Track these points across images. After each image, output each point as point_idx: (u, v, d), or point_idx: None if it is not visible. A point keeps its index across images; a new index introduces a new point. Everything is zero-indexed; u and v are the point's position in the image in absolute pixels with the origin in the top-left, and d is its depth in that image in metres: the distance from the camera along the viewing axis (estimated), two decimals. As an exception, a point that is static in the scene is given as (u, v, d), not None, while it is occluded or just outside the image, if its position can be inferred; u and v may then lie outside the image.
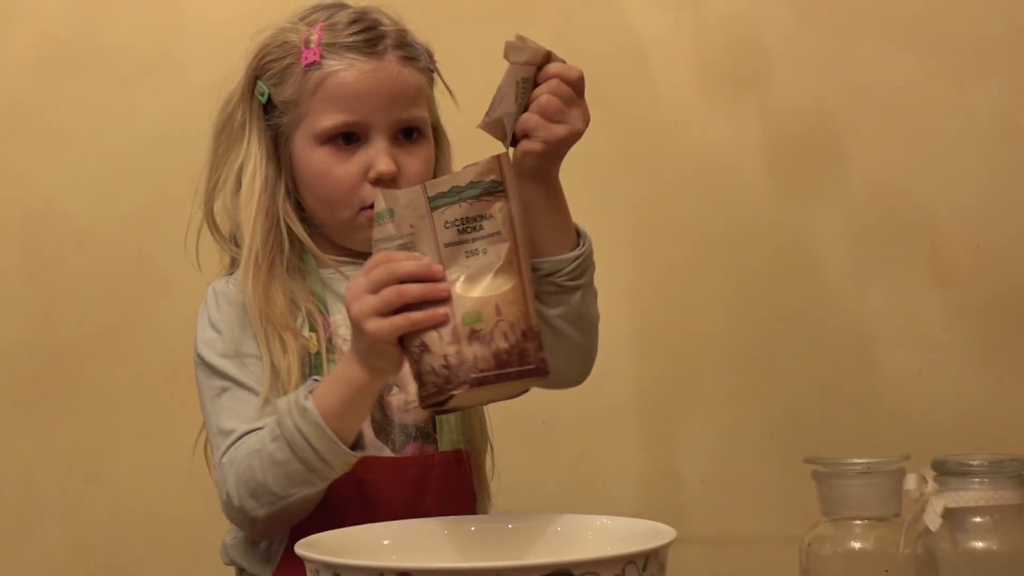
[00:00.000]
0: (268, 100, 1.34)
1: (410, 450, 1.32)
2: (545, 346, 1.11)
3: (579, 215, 1.93)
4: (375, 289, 1.10)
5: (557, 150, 1.20)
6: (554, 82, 1.19)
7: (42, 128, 1.92)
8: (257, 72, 1.36)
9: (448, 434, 1.33)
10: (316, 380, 1.26)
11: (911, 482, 1.13)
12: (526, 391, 1.14)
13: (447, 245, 1.09)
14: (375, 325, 1.10)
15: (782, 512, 1.81)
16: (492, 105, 1.19)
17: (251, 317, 1.30)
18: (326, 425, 1.17)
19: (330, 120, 1.31)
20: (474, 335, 1.07)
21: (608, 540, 1.08)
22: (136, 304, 1.90)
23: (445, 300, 1.08)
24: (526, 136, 1.18)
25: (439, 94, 1.42)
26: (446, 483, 1.32)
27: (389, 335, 1.09)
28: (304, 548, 1.01)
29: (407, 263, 1.09)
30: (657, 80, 1.93)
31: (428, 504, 1.29)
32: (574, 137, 1.21)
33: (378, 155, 1.31)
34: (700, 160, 1.92)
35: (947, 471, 1.11)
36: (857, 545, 1.16)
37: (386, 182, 1.30)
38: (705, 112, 1.92)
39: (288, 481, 1.20)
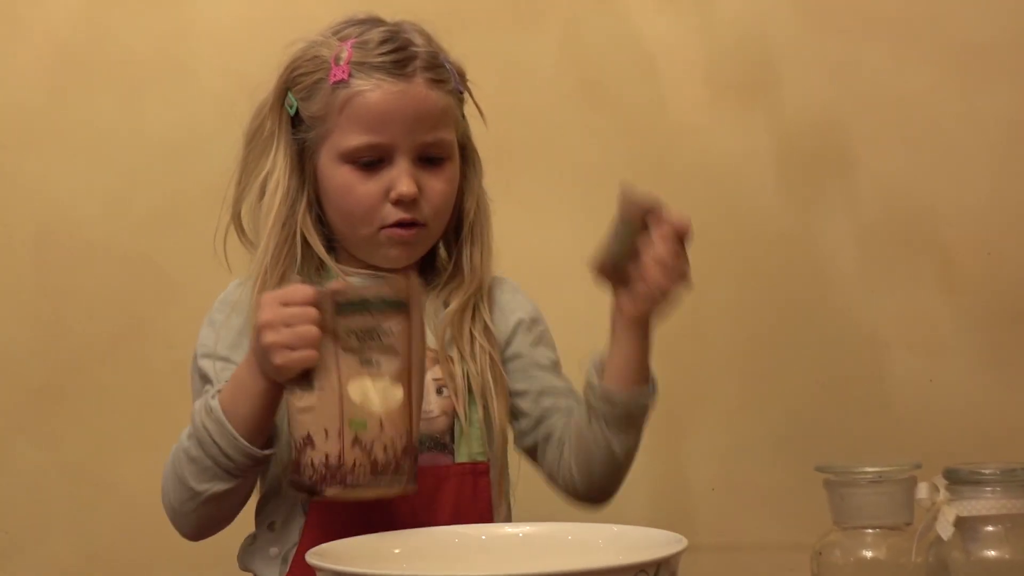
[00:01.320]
0: (296, 113, 1.36)
1: (423, 461, 1.31)
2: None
3: (587, 223, 1.94)
4: (291, 323, 1.15)
5: (667, 299, 1.29)
6: (669, 232, 1.28)
7: (52, 136, 1.92)
8: (288, 84, 1.36)
9: (466, 446, 1.34)
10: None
11: (923, 491, 1.12)
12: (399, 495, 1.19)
13: (345, 350, 1.15)
14: (284, 358, 1.15)
15: (792, 520, 1.81)
16: (602, 249, 1.27)
17: (254, 327, 1.30)
18: (228, 422, 1.22)
19: (355, 140, 1.32)
20: (357, 441, 1.14)
21: (619, 548, 1.08)
22: (146, 311, 1.91)
23: None
24: (642, 282, 1.26)
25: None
26: (461, 494, 1.32)
27: (295, 369, 1.15)
28: (315, 557, 1.01)
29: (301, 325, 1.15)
30: (665, 87, 1.93)
31: (442, 515, 1.30)
32: (683, 287, 1.29)
33: (400, 176, 1.32)
34: (708, 167, 1.92)
35: (959, 480, 1.10)
36: (869, 554, 1.15)
37: (407, 203, 1.33)
38: (713, 119, 1.92)
39: (201, 476, 1.25)
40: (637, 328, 1.29)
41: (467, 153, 1.42)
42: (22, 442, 1.91)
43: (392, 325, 1.15)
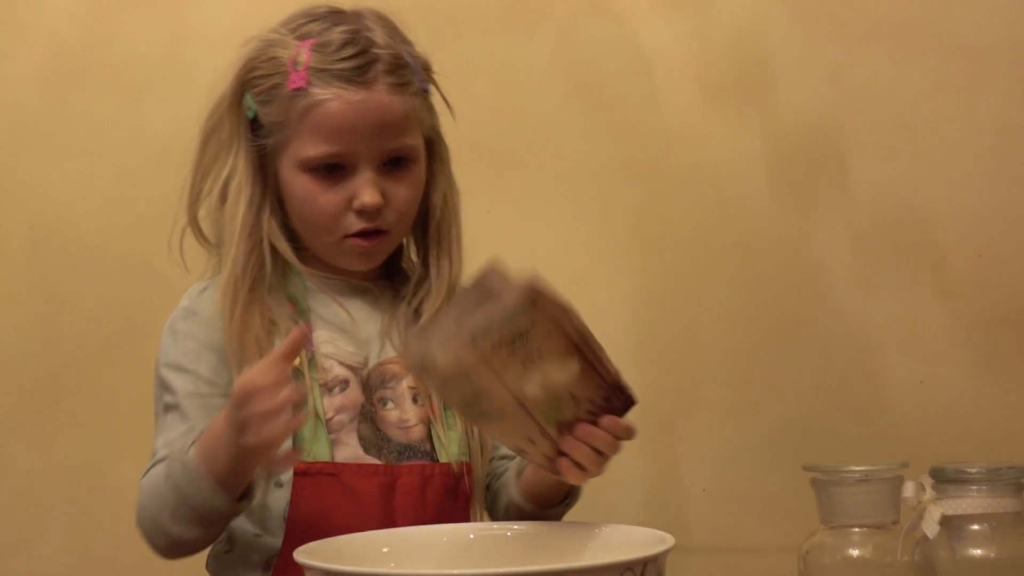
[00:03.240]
0: (255, 117, 1.32)
1: (404, 462, 1.31)
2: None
3: (582, 226, 1.95)
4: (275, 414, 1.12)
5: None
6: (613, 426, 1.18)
7: (50, 138, 1.93)
8: (244, 85, 1.33)
9: (446, 450, 1.32)
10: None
11: (909, 490, 1.13)
12: None
13: (502, 367, 1.08)
14: (249, 437, 1.13)
15: (784, 521, 1.80)
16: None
17: (225, 340, 1.29)
18: (208, 475, 1.18)
19: (315, 150, 1.29)
20: (561, 426, 1.14)
21: (607, 548, 1.09)
22: (142, 314, 1.90)
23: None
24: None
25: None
26: (445, 494, 1.31)
27: (259, 447, 1.14)
28: (304, 555, 1.01)
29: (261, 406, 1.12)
30: (660, 91, 1.93)
31: (427, 515, 1.28)
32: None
33: (363, 186, 1.29)
34: (703, 171, 1.92)
35: (945, 479, 1.11)
36: (855, 553, 1.16)
37: (370, 213, 1.30)
38: (708, 123, 1.92)
39: (177, 516, 1.22)
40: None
41: (434, 147, 1.37)
42: (16, 443, 1.91)
43: (527, 326, 1.08)
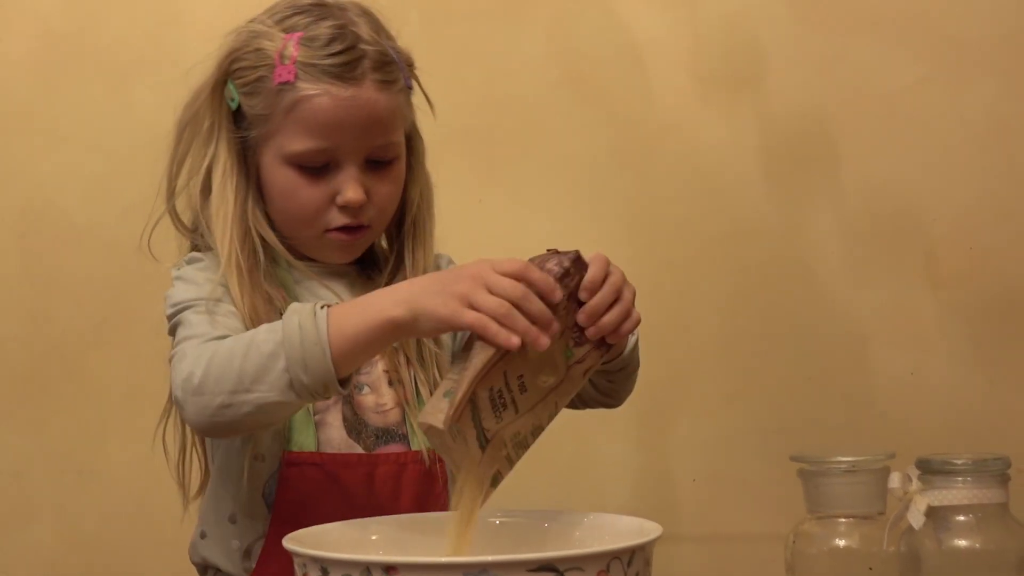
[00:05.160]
0: (238, 108, 1.31)
1: (382, 450, 1.31)
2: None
3: (574, 215, 1.95)
4: (496, 291, 1.04)
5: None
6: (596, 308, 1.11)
7: (39, 124, 1.93)
8: (227, 74, 1.32)
9: (419, 434, 1.31)
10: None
11: (895, 480, 1.13)
12: None
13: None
14: (462, 310, 1.03)
15: (773, 512, 1.81)
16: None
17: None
18: (328, 337, 1.09)
19: (300, 145, 1.28)
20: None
21: (595, 536, 1.09)
22: (131, 300, 1.91)
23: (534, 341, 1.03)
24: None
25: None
26: (420, 482, 1.31)
27: (465, 325, 1.04)
28: (292, 542, 1.01)
29: (538, 305, 1.04)
30: (652, 81, 1.93)
31: (403, 503, 1.29)
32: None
33: (347, 182, 1.29)
34: (695, 161, 1.93)
35: (931, 470, 1.11)
36: (841, 543, 1.16)
37: (353, 209, 1.30)
38: (700, 113, 1.93)
39: (262, 373, 1.10)
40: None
41: (411, 142, 1.37)
42: (5, 429, 1.91)
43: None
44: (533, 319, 1.03)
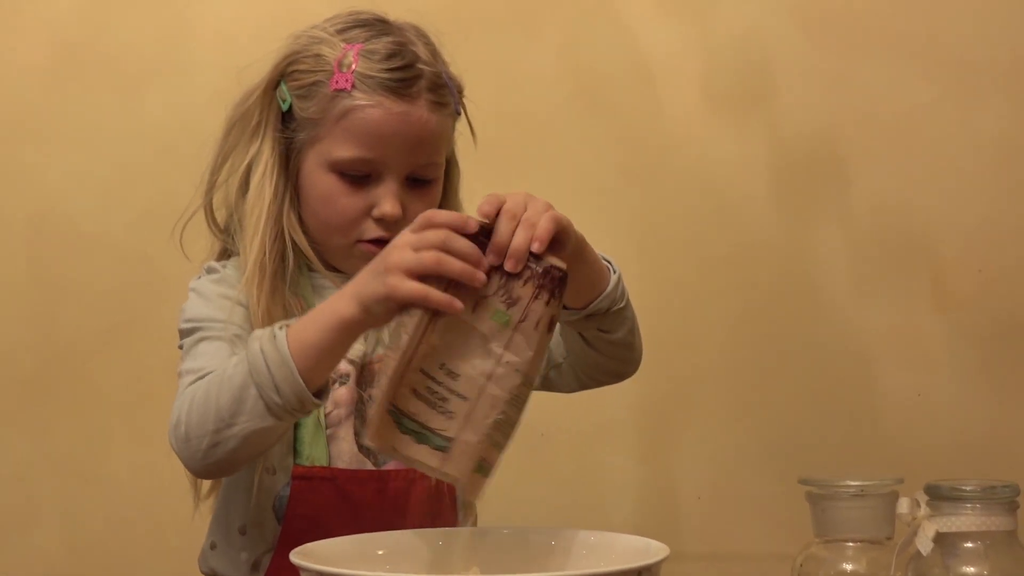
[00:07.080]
0: (289, 109, 1.33)
1: (391, 466, 1.31)
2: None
3: (583, 230, 1.94)
4: (419, 247, 1.03)
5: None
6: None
7: (49, 130, 1.93)
8: (282, 75, 1.33)
9: None
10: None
11: (904, 506, 1.13)
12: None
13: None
14: (397, 281, 1.03)
15: (778, 530, 1.81)
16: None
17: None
18: (290, 354, 1.10)
19: (347, 152, 1.30)
20: None
21: (602, 556, 1.09)
22: (138, 306, 1.91)
23: (475, 290, 1.02)
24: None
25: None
26: (428, 499, 1.31)
27: (404, 297, 1.03)
28: (299, 556, 1.01)
29: (461, 241, 1.03)
30: (662, 97, 1.93)
31: (411, 519, 1.29)
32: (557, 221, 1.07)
33: (386, 195, 1.30)
34: (704, 178, 1.93)
35: (940, 495, 1.11)
36: (849, 567, 1.16)
37: (388, 223, 1.30)
38: (710, 130, 1.93)
39: (238, 405, 1.12)
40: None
41: (449, 168, 1.39)
42: (11, 434, 1.91)
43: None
44: (464, 257, 1.02)
